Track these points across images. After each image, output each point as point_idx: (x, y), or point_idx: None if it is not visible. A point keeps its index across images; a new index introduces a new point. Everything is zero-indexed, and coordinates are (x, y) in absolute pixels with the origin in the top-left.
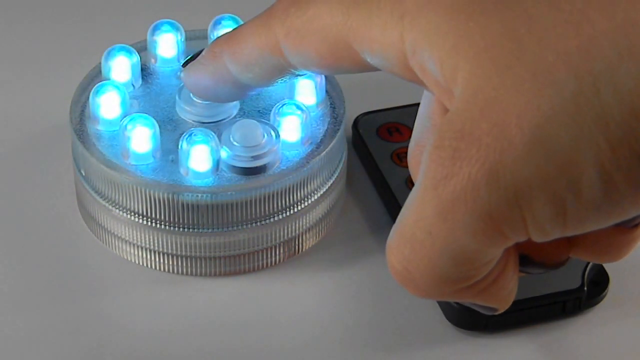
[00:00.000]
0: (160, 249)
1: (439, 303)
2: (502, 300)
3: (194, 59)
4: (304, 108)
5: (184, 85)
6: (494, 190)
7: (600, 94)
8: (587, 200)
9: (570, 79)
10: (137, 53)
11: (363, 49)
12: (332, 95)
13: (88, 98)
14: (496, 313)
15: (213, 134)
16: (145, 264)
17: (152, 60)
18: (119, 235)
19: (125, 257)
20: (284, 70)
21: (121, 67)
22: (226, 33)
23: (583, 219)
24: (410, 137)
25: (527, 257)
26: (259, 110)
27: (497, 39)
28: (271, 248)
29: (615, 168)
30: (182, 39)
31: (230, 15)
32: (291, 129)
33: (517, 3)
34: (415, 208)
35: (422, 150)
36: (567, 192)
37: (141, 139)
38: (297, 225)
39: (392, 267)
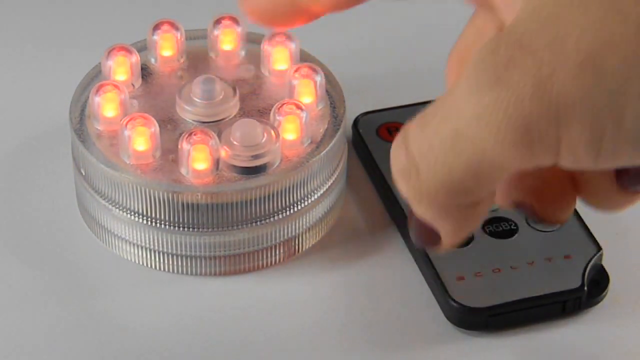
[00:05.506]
0: (160, 249)
1: (439, 303)
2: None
3: None
4: (304, 108)
5: (240, 8)
6: (538, 103)
7: None
8: (626, 131)
9: (637, 9)
10: (137, 53)
11: None
12: (332, 95)
13: (88, 98)
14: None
15: (213, 133)
16: (145, 264)
17: (152, 60)
18: (119, 235)
19: (125, 257)
20: None
21: (121, 67)
22: None
23: (618, 151)
24: None
25: (530, 206)
26: (259, 110)
27: None
28: (271, 248)
29: None
30: (182, 39)
31: (231, 15)
32: (291, 129)
33: None
34: (449, 105)
35: (463, 57)
36: (608, 119)
37: (141, 138)
38: (297, 225)
39: (397, 157)
